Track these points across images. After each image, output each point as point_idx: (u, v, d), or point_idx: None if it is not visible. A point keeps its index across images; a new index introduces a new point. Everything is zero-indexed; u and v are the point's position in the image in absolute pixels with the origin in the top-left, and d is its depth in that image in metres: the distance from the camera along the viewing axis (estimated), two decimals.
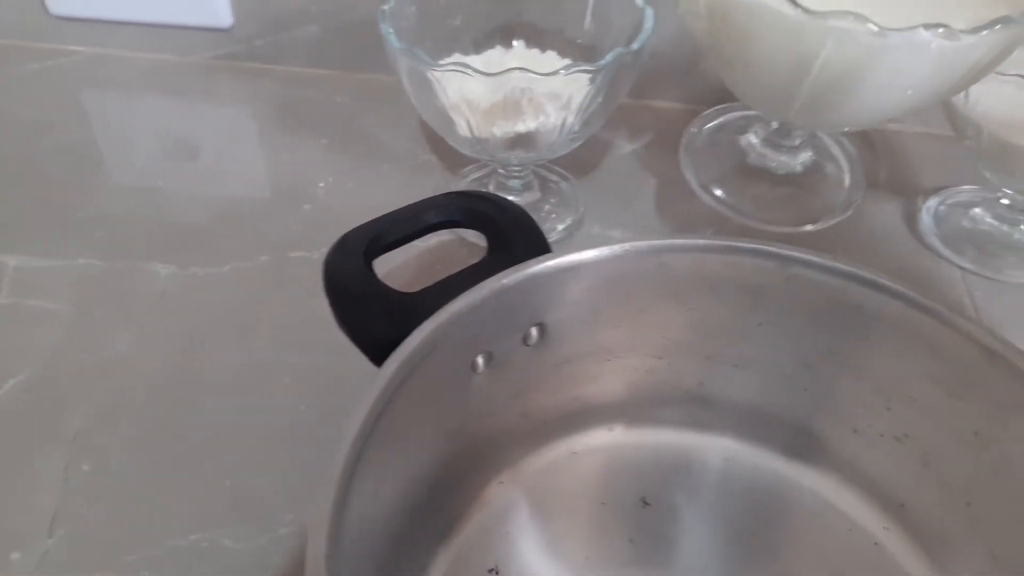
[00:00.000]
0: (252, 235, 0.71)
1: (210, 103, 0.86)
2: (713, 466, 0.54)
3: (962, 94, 0.63)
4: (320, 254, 0.50)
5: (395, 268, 0.65)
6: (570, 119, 0.62)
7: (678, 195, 0.75)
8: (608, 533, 0.51)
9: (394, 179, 0.76)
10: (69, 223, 0.71)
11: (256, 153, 0.81)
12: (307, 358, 0.61)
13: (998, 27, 0.52)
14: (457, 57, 0.68)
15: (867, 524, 0.51)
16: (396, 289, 0.48)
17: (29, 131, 0.81)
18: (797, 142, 0.77)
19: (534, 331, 0.49)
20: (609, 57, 0.59)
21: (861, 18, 0.52)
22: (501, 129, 0.62)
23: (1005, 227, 0.72)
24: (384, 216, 0.53)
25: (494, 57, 0.70)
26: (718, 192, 0.75)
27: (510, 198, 0.57)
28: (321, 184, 0.76)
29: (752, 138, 0.80)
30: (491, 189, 0.73)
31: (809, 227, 0.73)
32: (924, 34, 0.52)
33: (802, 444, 0.53)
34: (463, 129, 0.63)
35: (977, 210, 0.74)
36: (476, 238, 0.68)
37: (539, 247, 0.51)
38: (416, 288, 0.48)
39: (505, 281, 0.45)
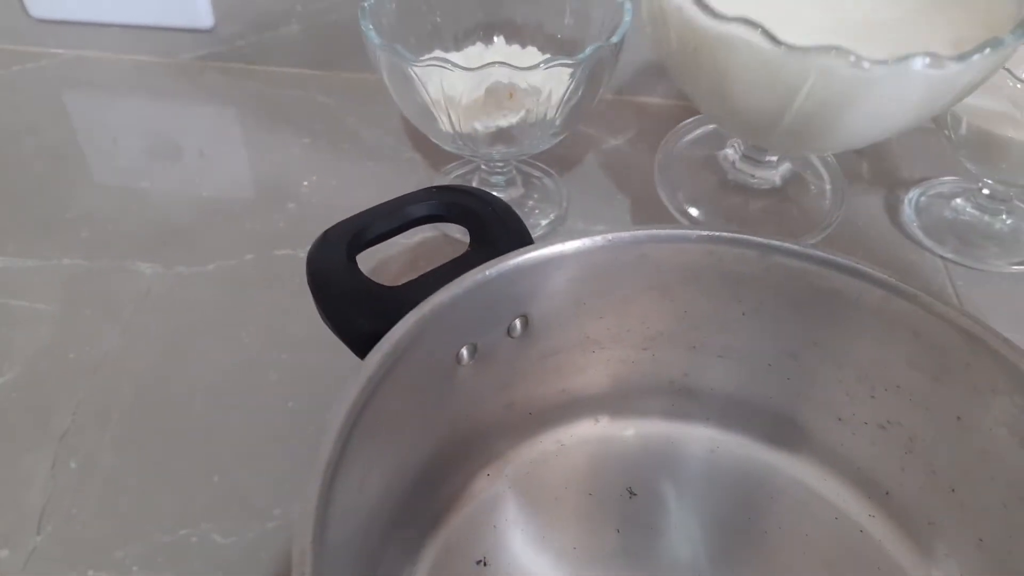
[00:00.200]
0: (237, 234, 0.71)
1: (192, 103, 0.86)
2: (698, 456, 0.55)
3: None
4: (305, 252, 0.51)
5: (378, 264, 0.65)
6: (551, 113, 0.62)
7: (656, 208, 0.75)
8: (595, 523, 0.51)
9: (377, 177, 0.77)
10: (53, 224, 0.71)
11: (239, 152, 0.81)
12: (293, 354, 0.61)
13: (987, 51, 0.51)
14: (438, 54, 0.68)
15: (852, 512, 0.52)
16: (379, 283, 0.49)
17: (11, 133, 0.81)
18: (776, 156, 0.75)
19: (518, 323, 0.49)
20: (588, 51, 0.59)
21: (844, 52, 0.51)
22: (483, 124, 0.63)
23: (986, 217, 0.72)
24: (366, 211, 0.53)
25: (474, 53, 0.70)
26: (694, 212, 0.74)
27: (493, 193, 0.58)
28: (305, 183, 0.76)
29: (730, 152, 0.78)
30: (474, 185, 0.73)
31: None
32: (911, 64, 0.51)
33: (786, 433, 0.54)
34: (445, 125, 0.63)
35: (958, 200, 0.74)
36: (460, 234, 0.68)
37: (522, 240, 0.51)
38: (399, 284, 0.48)
39: (488, 272, 0.46)
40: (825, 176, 0.77)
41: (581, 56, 0.59)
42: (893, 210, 0.74)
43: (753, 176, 0.75)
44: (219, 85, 0.88)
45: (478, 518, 0.51)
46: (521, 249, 0.47)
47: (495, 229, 0.52)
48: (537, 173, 0.76)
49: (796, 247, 0.48)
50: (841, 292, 0.48)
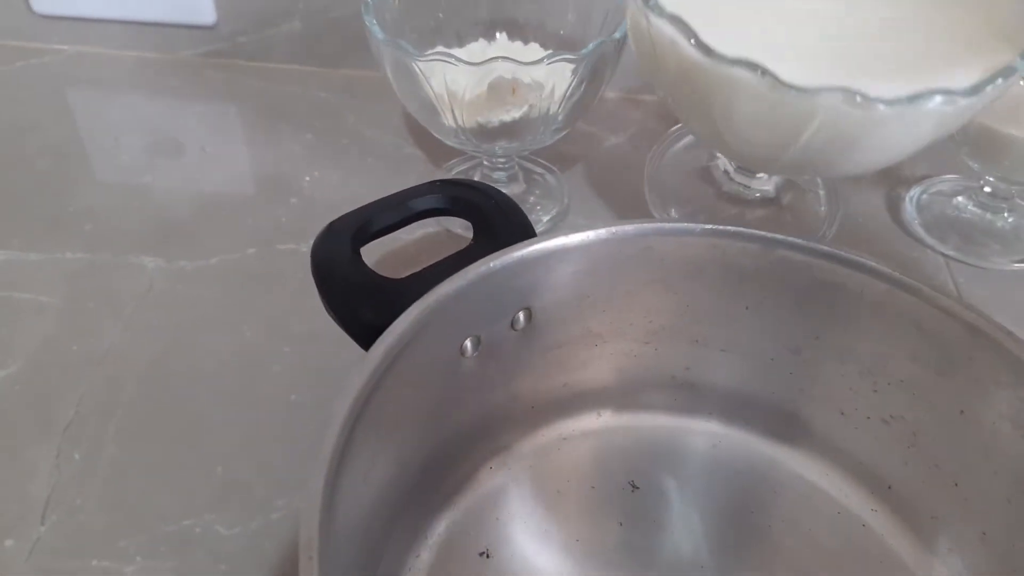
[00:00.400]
0: (239, 228, 0.71)
1: (194, 100, 0.87)
2: (701, 450, 0.55)
3: None
4: (308, 246, 0.51)
5: (381, 259, 0.65)
6: (554, 108, 0.62)
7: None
8: (598, 516, 0.51)
9: (379, 172, 0.77)
10: (56, 218, 0.72)
11: (241, 149, 0.81)
12: (296, 347, 0.61)
13: (999, 80, 0.50)
14: (440, 50, 0.68)
15: (854, 506, 0.52)
16: (384, 275, 0.49)
17: (15, 129, 0.81)
18: None
19: (521, 316, 0.49)
20: (591, 46, 0.59)
21: (851, 93, 0.49)
22: (485, 119, 0.63)
23: (988, 215, 0.73)
24: (370, 204, 0.53)
25: (477, 49, 0.70)
26: None
27: None
28: (307, 178, 0.76)
29: (722, 162, 0.76)
30: None
31: None
32: (922, 104, 0.49)
33: (789, 427, 0.54)
34: (448, 120, 0.63)
35: (960, 198, 0.74)
36: (461, 229, 0.69)
37: (525, 233, 0.51)
38: (403, 276, 0.48)
39: (492, 264, 0.46)
40: (820, 182, 0.76)
41: (584, 51, 0.59)
42: (894, 208, 0.74)
43: (747, 187, 0.74)
44: (221, 82, 0.88)
45: (481, 510, 0.51)
46: (525, 241, 0.47)
47: (498, 222, 0.52)
48: (539, 170, 0.76)
49: (800, 241, 0.48)
50: (844, 286, 0.48)
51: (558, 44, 0.69)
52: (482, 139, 0.64)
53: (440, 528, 0.49)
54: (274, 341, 0.62)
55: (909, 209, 0.74)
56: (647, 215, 0.73)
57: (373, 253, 0.51)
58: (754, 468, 0.54)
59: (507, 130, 0.64)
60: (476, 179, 0.74)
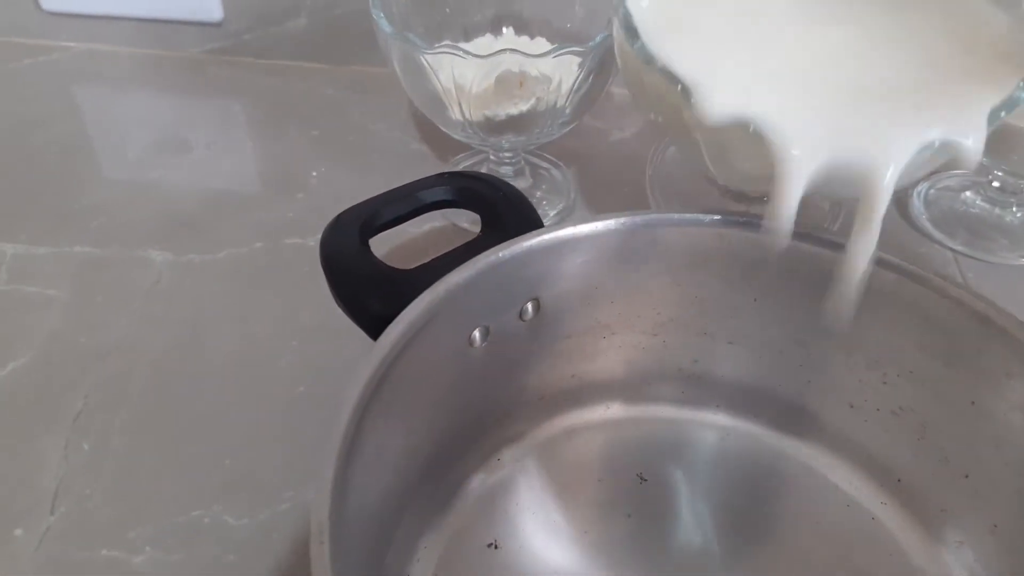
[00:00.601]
0: (246, 223, 0.71)
1: (201, 96, 0.87)
2: (709, 442, 0.55)
3: None
4: (315, 240, 0.51)
5: (389, 253, 0.65)
6: (561, 102, 0.62)
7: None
8: (606, 509, 0.51)
9: (385, 168, 0.77)
10: (64, 213, 0.72)
11: (248, 145, 0.82)
12: (304, 340, 0.61)
13: (1002, 114, 0.47)
14: (448, 43, 0.68)
15: (864, 499, 0.51)
16: (392, 266, 0.49)
17: (23, 125, 0.82)
18: None
19: (529, 307, 0.49)
20: (598, 39, 0.59)
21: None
22: (493, 112, 0.63)
23: (996, 210, 0.72)
24: (378, 196, 0.53)
25: (484, 44, 0.71)
26: None
27: None
28: (313, 173, 0.76)
29: None
30: None
31: None
32: (927, 155, 0.47)
33: (797, 420, 0.54)
34: (455, 113, 0.63)
35: (968, 193, 0.74)
36: (468, 223, 0.69)
37: (533, 225, 0.51)
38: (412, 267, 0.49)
39: (501, 254, 0.46)
40: None
41: (591, 44, 0.59)
42: (902, 203, 0.74)
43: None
44: (227, 78, 0.88)
45: (489, 502, 0.51)
46: (534, 232, 0.47)
47: (506, 214, 0.52)
48: (545, 164, 0.76)
49: (808, 231, 0.48)
50: None
51: (565, 39, 0.69)
52: (489, 132, 0.65)
53: (449, 518, 0.49)
54: (281, 334, 0.62)
55: (917, 204, 0.73)
56: (652, 210, 0.73)
57: (380, 247, 0.51)
58: (762, 461, 0.53)
59: (514, 123, 0.64)
60: None
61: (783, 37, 0.53)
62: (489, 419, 0.52)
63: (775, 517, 0.52)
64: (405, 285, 0.46)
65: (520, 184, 0.72)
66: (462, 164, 0.76)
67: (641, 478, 0.52)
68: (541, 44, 0.70)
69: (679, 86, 0.49)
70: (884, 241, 0.69)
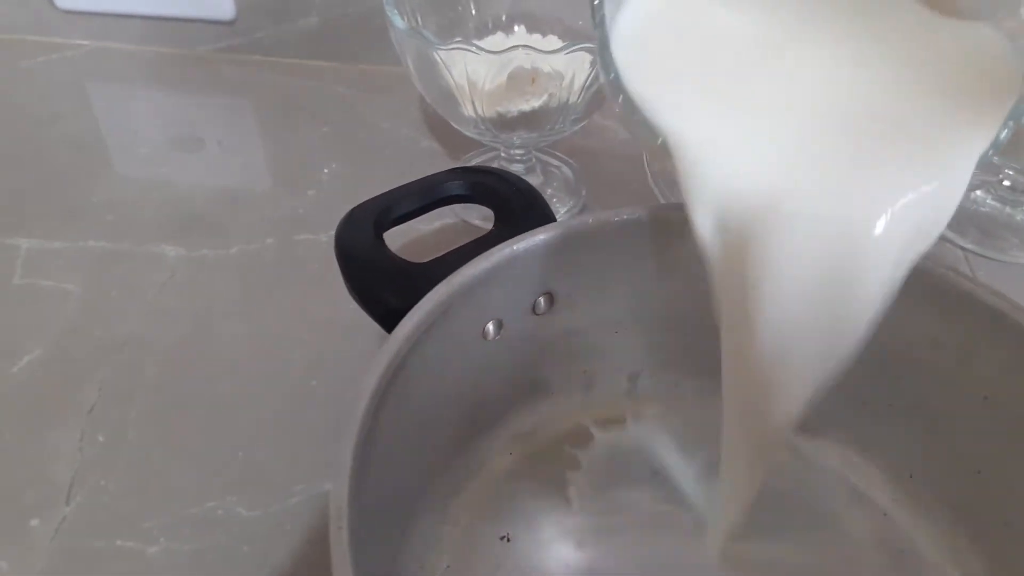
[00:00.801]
0: (258, 219, 0.71)
1: (213, 95, 0.87)
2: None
3: None
4: (327, 236, 0.51)
5: (400, 249, 0.65)
6: (572, 98, 0.62)
7: None
8: (618, 504, 0.51)
9: (396, 165, 0.77)
10: (78, 208, 0.72)
11: (259, 142, 0.82)
12: (316, 335, 0.62)
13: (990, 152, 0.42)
14: (461, 39, 0.69)
15: (876, 496, 0.51)
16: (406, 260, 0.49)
17: (38, 122, 0.82)
18: None
19: (542, 300, 0.49)
20: None
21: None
22: (505, 109, 0.63)
23: (1007, 209, 0.72)
24: (392, 190, 0.53)
25: (495, 42, 0.71)
26: None
27: None
28: (325, 170, 0.76)
29: None
30: None
31: None
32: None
33: (809, 416, 0.54)
34: (467, 110, 0.63)
35: (978, 192, 0.74)
36: (480, 220, 0.69)
37: (546, 220, 0.51)
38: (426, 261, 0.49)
39: (516, 247, 0.46)
40: None
41: None
42: None
43: None
44: (238, 76, 0.89)
45: (502, 495, 0.51)
46: (548, 225, 0.47)
47: (519, 209, 0.52)
48: (555, 162, 0.76)
49: None
50: None
51: (576, 36, 0.69)
52: (501, 129, 0.65)
53: (462, 511, 0.49)
54: (294, 328, 0.62)
55: None
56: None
57: (392, 243, 0.51)
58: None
59: (526, 120, 0.64)
60: None
61: (763, 73, 0.47)
62: (502, 413, 0.52)
63: (786, 514, 0.51)
64: (419, 278, 0.46)
65: (531, 181, 0.72)
66: (473, 161, 0.76)
67: (654, 473, 0.52)
68: (553, 42, 0.70)
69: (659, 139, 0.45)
70: None
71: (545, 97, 0.62)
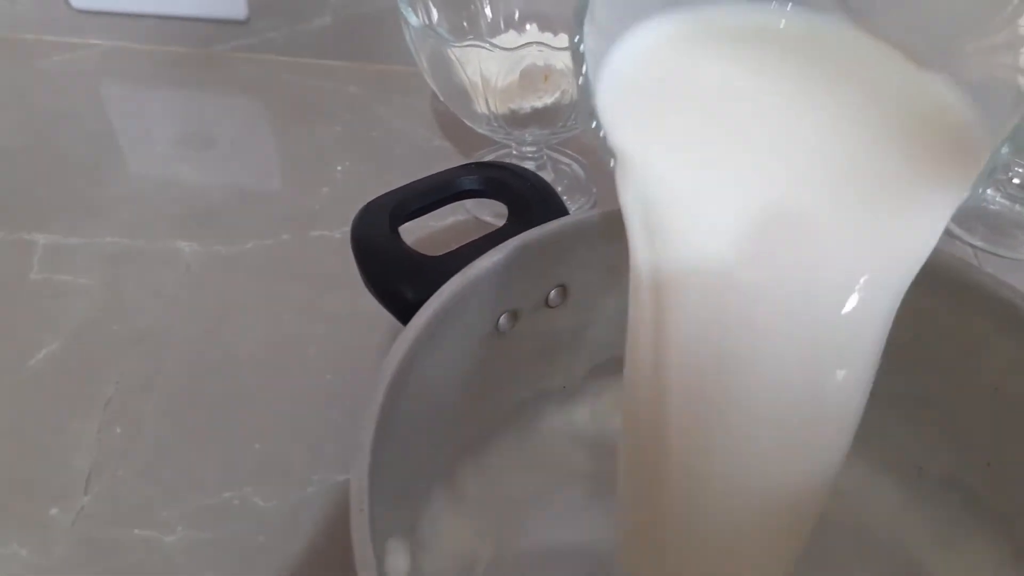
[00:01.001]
0: (272, 216, 0.72)
1: (226, 94, 0.88)
2: None
3: None
4: (341, 232, 0.52)
5: (413, 245, 0.66)
6: None
7: None
8: None
9: (409, 163, 0.78)
10: (93, 205, 0.73)
11: (272, 140, 0.83)
12: (331, 329, 0.62)
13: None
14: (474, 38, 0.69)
15: (884, 490, 0.51)
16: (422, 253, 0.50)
17: (53, 120, 0.83)
18: None
19: (555, 293, 0.50)
20: None
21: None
22: (518, 105, 0.64)
23: (1017, 207, 0.73)
24: (407, 185, 0.54)
25: (507, 40, 0.71)
26: None
27: None
28: (338, 168, 0.77)
29: None
30: None
31: None
32: None
33: None
34: (480, 107, 0.64)
35: (987, 190, 0.74)
36: (492, 217, 0.70)
37: (559, 214, 0.52)
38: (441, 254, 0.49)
39: (530, 239, 0.46)
40: None
41: None
42: None
43: None
44: (252, 75, 0.90)
45: (515, 488, 0.51)
46: (562, 218, 0.48)
47: (533, 204, 0.53)
48: (566, 160, 0.77)
49: None
50: None
51: None
52: (514, 126, 0.65)
53: (475, 501, 0.50)
54: (309, 323, 0.63)
55: None
56: None
57: (405, 239, 0.52)
58: None
59: (539, 116, 0.65)
60: None
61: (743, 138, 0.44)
62: (514, 405, 0.52)
63: None
64: (434, 271, 0.46)
65: None
66: (486, 158, 0.77)
67: None
68: (564, 40, 0.70)
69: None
70: None
71: (557, 94, 0.63)
